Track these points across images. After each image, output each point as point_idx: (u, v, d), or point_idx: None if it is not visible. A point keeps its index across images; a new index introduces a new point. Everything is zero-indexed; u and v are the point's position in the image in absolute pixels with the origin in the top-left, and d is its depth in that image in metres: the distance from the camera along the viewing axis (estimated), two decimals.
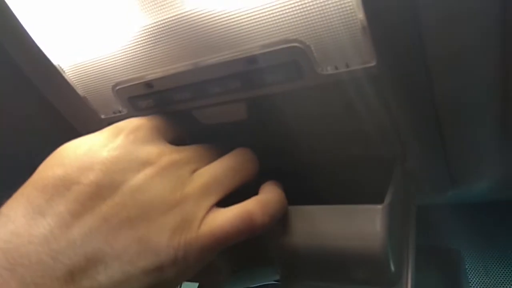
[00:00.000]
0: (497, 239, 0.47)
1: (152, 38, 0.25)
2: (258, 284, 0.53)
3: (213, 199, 0.23)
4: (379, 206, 0.23)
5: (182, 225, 0.21)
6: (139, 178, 0.22)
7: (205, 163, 0.25)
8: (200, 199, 0.23)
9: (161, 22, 0.24)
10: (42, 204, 0.20)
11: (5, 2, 0.26)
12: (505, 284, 0.50)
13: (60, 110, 0.32)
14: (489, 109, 0.24)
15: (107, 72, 0.28)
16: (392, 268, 0.23)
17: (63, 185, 0.20)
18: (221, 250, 0.23)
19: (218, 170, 0.24)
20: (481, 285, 0.48)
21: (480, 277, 0.47)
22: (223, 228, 0.22)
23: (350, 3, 0.19)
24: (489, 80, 0.22)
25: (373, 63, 0.21)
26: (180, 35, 0.24)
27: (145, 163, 0.23)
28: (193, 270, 0.22)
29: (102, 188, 0.21)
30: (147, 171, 0.22)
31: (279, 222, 0.25)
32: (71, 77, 0.30)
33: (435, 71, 0.21)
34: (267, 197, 0.24)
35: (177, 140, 0.27)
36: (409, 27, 0.19)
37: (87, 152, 0.22)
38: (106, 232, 0.20)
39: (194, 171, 0.24)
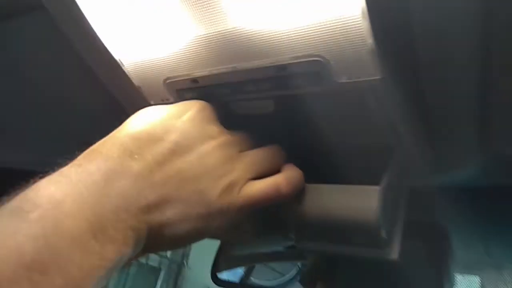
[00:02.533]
0: (480, 220, 0.53)
1: (201, 45, 0.30)
2: (271, 250, 0.60)
3: (251, 175, 0.30)
4: (377, 187, 0.29)
5: (229, 188, 0.28)
6: (204, 147, 0.29)
7: (248, 147, 0.32)
8: (243, 172, 0.30)
9: (210, 34, 0.29)
10: (134, 151, 0.26)
11: (78, 7, 0.32)
12: (485, 257, 0.57)
13: (117, 96, 0.39)
14: (470, 109, 0.29)
15: (159, 68, 0.34)
16: (384, 235, 0.30)
17: (151, 139, 0.27)
18: (251, 213, 0.30)
19: (259, 156, 0.31)
20: (464, 258, 0.55)
21: (462, 251, 0.53)
22: (257, 193, 0.29)
23: (363, 31, 0.25)
24: (470, 86, 0.27)
25: (378, 76, 0.27)
26: (224, 45, 0.30)
27: (209, 137, 0.29)
28: (230, 224, 0.29)
29: (180, 147, 0.28)
30: (211, 143, 0.29)
31: (296, 196, 0.32)
32: (129, 70, 0.36)
33: (425, 82, 0.27)
34: (291, 173, 0.31)
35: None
36: (407, 53, 0.25)
37: (167, 118, 0.29)
38: (178, 181, 0.26)
39: (240, 151, 0.31)
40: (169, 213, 0.26)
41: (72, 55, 0.37)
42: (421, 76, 0.27)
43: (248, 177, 0.30)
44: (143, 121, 0.29)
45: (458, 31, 0.24)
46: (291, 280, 2.07)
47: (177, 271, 2.50)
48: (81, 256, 0.21)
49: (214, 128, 0.30)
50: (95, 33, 0.34)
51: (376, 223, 0.29)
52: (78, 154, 0.27)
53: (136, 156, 0.26)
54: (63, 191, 0.23)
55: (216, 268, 0.58)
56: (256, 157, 0.31)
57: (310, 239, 0.33)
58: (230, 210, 0.28)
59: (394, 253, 0.30)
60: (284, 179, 0.30)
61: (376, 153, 0.33)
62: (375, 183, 0.30)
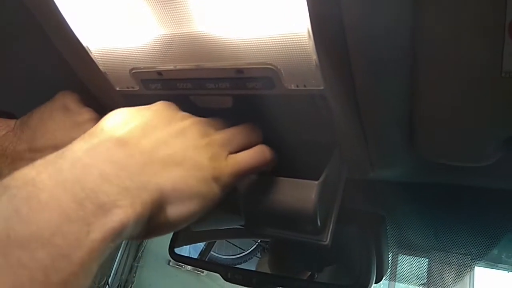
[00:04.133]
0: (415, 210, 0.60)
1: (167, 43, 0.33)
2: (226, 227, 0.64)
3: (230, 149, 0.33)
4: (316, 182, 0.34)
5: (214, 157, 0.31)
6: (182, 123, 0.31)
7: (223, 127, 0.34)
8: (221, 146, 0.32)
9: (176, 33, 0.32)
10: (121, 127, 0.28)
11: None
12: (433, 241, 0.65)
13: (84, 81, 0.40)
14: (398, 117, 0.34)
15: (126, 58, 0.36)
16: (319, 223, 0.34)
17: (134, 116, 0.30)
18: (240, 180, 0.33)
19: (235, 132, 0.34)
20: (408, 249, 0.63)
21: (397, 237, 0.61)
22: (245, 159, 0.33)
23: (309, 49, 0.28)
24: (399, 97, 0.32)
25: (321, 87, 0.30)
26: (188, 45, 0.32)
27: (184, 117, 0.32)
28: (224, 192, 0.31)
29: (158, 126, 0.30)
30: (188, 121, 0.32)
31: (246, 186, 0.35)
32: (95, 57, 0.37)
33: (360, 93, 0.31)
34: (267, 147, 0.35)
35: None
36: (345, 68, 0.29)
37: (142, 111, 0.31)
38: (166, 156, 0.28)
39: (216, 130, 0.33)
40: (167, 176, 0.27)
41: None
42: (356, 88, 0.31)
43: (228, 150, 0.32)
44: (120, 122, 0.30)
45: (388, 57, 0.28)
46: (250, 254, 2.16)
47: (139, 242, 2.53)
48: (63, 225, 0.20)
49: (186, 114, 0.33)
50: (64, 19, 0.35)
51: (313, 213, 0.33)
52: None
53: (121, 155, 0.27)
54: (38, 170, 0.22)
55: (174, 243, 0.62)
56: (232, 133, 0.34)
57: (257, 224, 0.37)
58: (221, 177, 0.30)
59: (326, 239, 0.35)
60: (266, 147, 0.34)
61: (318, 149, 0.37)
62: (316, 177, 0.34)
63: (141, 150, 0.27)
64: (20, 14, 0.39)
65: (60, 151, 0.25)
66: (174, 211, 0.28)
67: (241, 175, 0.33)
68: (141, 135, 0.29)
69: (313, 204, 0.33)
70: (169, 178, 0.27)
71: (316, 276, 0.67)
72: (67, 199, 0.21)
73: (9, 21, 0.43)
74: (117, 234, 0.22)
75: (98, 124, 0.29)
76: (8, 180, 0.22)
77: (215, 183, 0.30)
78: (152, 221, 0.26)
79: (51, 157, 0.24)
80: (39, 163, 0.23)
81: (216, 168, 0.30)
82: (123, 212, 0.23)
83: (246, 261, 2.14)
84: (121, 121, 0.30)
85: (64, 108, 0.42)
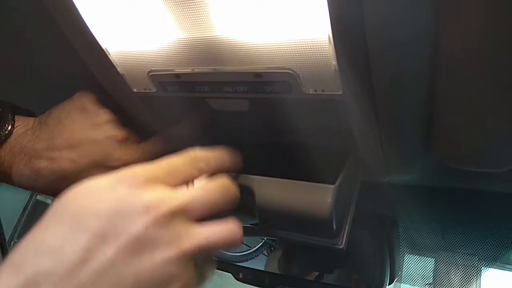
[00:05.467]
0: (430, 215, 0.60)
1: (185, 46, 0.33)
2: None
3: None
4: (332, 186, 0.34)
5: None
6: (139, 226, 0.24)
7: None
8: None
9: (195, 37, 0.32)
10: (48, 263, 0.22)
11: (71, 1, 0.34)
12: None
13: (101, 81, 0.41)
14: (415, 124, 0.34)
15: (144, 61, 0.37)
16: (334, 227, 0.34)
17: (71, 236, 0.23)
18: None
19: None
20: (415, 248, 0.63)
21: (410, 240, 0.61)
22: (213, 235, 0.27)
23: (328, 53, 0.28)
24: (419, 97, 0.32)
25: (340, 92, 0.31)
26: (207, 49, 0.32)
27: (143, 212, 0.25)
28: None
29: (107, 234, 0.23)
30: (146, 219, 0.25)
31: (263, 189, 0.36)
32: (114, 59, 0.38)
33: (379, 100, 0.31)
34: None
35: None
36: (365, 74, 0.29)
37: (94, 202, 0.25)
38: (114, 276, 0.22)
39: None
40: None
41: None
42: (375, 93, 0.31)
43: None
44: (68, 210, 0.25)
45: (407, 63, 0.28)
46: (257, 251, 2.16)
47: None
48: None
49: (149, 197, 0.26)
50: (84, 22, 0.35)
51: (329, 217, 0.33)
52: None
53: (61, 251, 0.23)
54: None
55: None
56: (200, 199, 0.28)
57: (272, 226, 0.37)
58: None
59: (342, 243, 0.35)
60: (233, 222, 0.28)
61: (334, 153, 0.38)
62: (332, 181, 0.35)
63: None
64: (38, 13, 0.40)
65: None
66: None
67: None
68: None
69: (329, 208, 0.33)
70: None
71: (323, 277, 0.67)
72: None
73: (28, 20, 0.44)
74: None
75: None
76: None
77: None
78: None
79: None
80: None
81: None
82: None
83: (253, 258, 2.15)
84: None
85: (82, 108, 0.42)
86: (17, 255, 0.23)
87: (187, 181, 0.29)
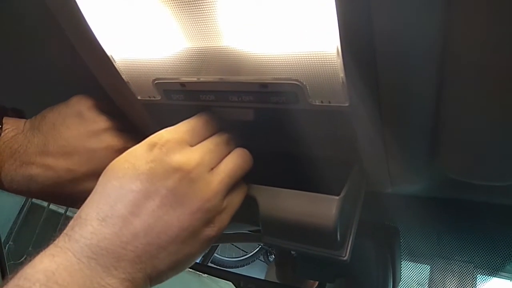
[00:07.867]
0: (428, 224, 0.60)
1: (192, 55, 0.33)
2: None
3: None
4: (336, 197, 0.34)
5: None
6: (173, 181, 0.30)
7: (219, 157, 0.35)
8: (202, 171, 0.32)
9: (203, 47, 0.32)
10: (108, 210, 0.28)
11: (78, 7, 0.33)
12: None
13: (105, 88, 0.41)
14: (422, 135, 0.34)
15: (149, 69, 0.36)
16: (338, 238, 0.34)
17: (120, 194, 0.29)
18: None
19: (228, 166, 0.34)
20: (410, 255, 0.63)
21: (410, 249, 0.61)
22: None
23: (336, 65, 0.28)
24: (426, 109, 0.32)
25: (346, 104, 0.31)
26: (214, 59, 0.32)
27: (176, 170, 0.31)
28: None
29: (149, 191, 0.29)
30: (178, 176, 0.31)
31: (266, 198, 0.35)
32: (119, 66, 0.38)
33: (385, 112, 0.31)
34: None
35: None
36: (372, 87, 0.29)
37: (132, 167, 0.31)
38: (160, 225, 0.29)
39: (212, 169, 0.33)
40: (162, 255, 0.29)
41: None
42: (381, 106, 0.31)
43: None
44: (112, 178, 0.31)
45: (414, 76, 0.28)
46: (253, 257, 2.16)
47: None
48: None
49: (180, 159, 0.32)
50: (89, 28, 0.35)
51: (333, 229, 0.33)
52: None
53: (112, 216, 0.28)
54: (56, 262, 0.26)
55: None
56: (227, 168, 0.34)
57: (275, 236, 0.37)
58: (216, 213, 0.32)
59: (346, 254, 0.35)
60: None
61: (339, 164, 0.37)
62: (336, 192, 0.34)
63: (134, 234, 0.28)
64: (43, 17, 0.40)
65: (65, 237, 0.28)
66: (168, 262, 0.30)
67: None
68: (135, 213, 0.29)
69: (334, 220, 0.33)
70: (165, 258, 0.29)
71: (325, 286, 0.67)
72: None
73: (31, 23, 0.44)
74: None
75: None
76: (31, 272, 0.25)
77: (217, 216, 0.32)
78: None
79: (61, 244, 0.27)
80: (54, 254, 0.27)
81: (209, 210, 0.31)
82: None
83: (249, 263, 2.14)
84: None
85: (78, 114, 0.41)
86: (81, 212, 0.29)
87: (204, 139, 0.35)
